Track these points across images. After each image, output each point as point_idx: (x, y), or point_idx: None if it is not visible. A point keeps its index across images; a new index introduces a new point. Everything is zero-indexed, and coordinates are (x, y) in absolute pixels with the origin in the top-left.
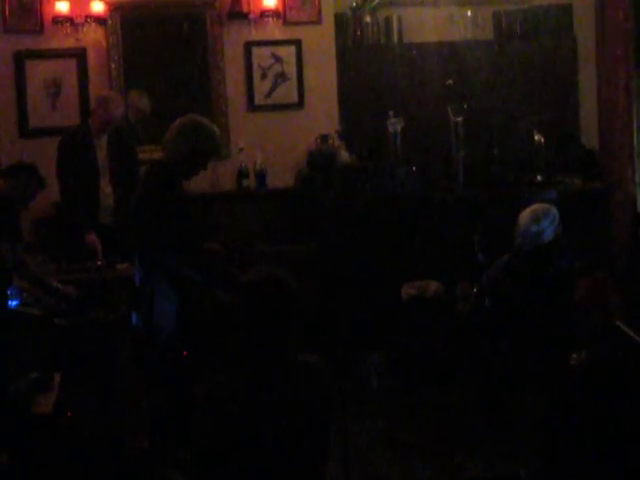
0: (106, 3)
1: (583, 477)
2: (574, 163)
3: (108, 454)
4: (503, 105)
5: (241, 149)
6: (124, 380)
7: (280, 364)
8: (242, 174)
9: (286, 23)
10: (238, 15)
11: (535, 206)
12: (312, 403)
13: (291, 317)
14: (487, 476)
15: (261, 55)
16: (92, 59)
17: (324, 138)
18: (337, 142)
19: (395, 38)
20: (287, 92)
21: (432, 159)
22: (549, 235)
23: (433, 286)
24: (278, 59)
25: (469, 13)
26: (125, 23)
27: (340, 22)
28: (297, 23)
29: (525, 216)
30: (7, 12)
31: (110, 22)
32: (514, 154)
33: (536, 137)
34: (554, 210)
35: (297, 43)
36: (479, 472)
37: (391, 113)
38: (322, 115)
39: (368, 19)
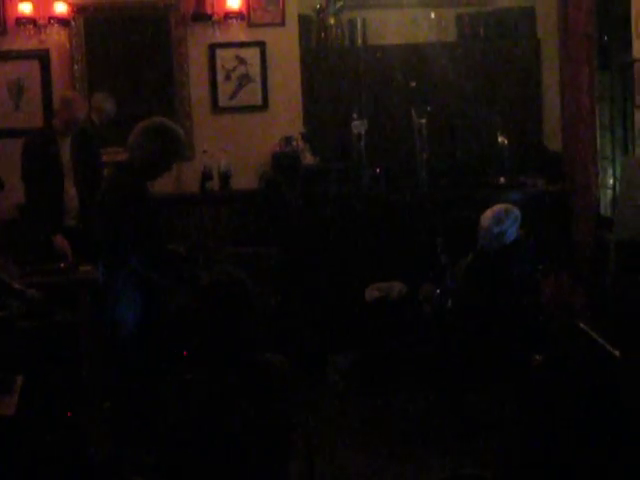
0: (69, 5)
1: (547, 477)
2: (537, 165)
3: (71, 457)
4: (466, 107)
5: (205, 151)
6: (87, 382)
7: (241, 364)
8: (206, 176)
9: (250, 25)
10: (202, 17)
11: (497, 207)
12: (274, 401)
13: (249, 317)
14: (452, 477)
15: (225, 57)
16: (55, 60)
17: (288, 140)
18: (301, 144)
19: (359, 40)
20: (251, 94)
21: (396, 161)
22: (511, 235)
23: (397, 287)
24: (242, 61)
25: (432, 15)
26: (88, 25)
27: (304, 24)
28: (261, 25)
29: (487, 217)
30: None
31: (73, 24)
32: (477, 156)
33: (499, 139)
34: (516, 210)
35: (261, 45)
36: (445, 474)
37: (355, 115)
38: (286, 117)
39: (332, 21)
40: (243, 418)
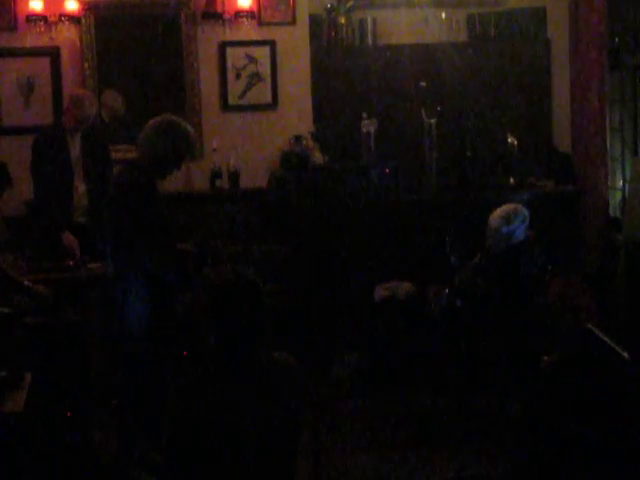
0: (80, 2)
1: (553, 477)
2: (547, 166)
3: (79, 454)
4: (476, 107)
5: (214, 149)
6: (95, 380)
7: (251, 363)
8: (215, 174)
9: (261, 24)
10: (212, 15)
11: (505, 207)
12: (283, 401)
13: (259, 316)
14: (457, 477)
15: (235, 55)
16: (66, 58)
17: (298, 139)
18: (311, 143)
19: (369, 39)
20: (261, 93)
21: (405, 160)
22: (520, 235)
23: (405, 287)
24: (252, 59)
25: (443, 15)
26: (99, 22)
27: (315, 23)
28: (272, 24)
29: (495, 217)
30: None
31: (84, 21)
32: (487, 156)
33: (509, 139)
34: (524, 210)
35: (271, 44)
36: (451, 473)
37: (365, 114)
38: (296, 116)
39: (343, 20)
40: (251, 417)
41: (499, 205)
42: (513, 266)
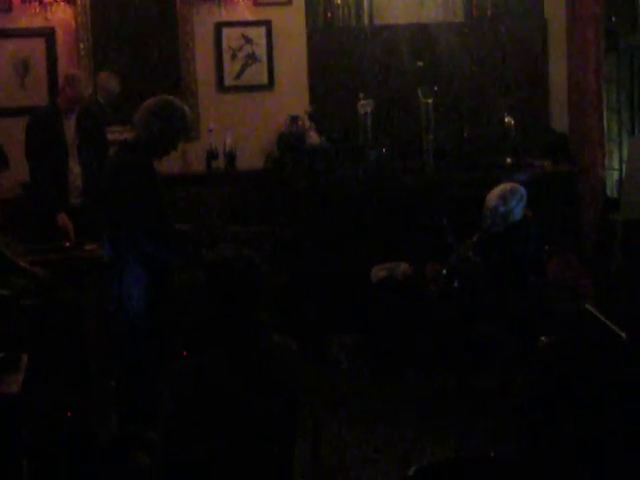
0: None
1: (552, 457)
2: (544, 146)
3: (77, 435)
4: (473, 87)
5: (210, 130)
6: (92, 361)
7: (249, 344)
8: (211, 155)
9: (256, 4)
10: None
11: (502, 186)
12: (282, 384)
13: (258, 294)
14: (456, 457)
15: (231, 36)
16: (61, 39)
17: (294, 119)
18: (307, 123)
19: (366, 19)
20: (257, 73)
21: (402, 141)
22: (517, 214)
23: (403, 268)
24: (248, 40)
25: None
26: (94, 3)
27: (311, 3)
28: (267, 4)
29: (493, 196)
30: None
31: (79, 2)
32: (484, 137)
33: (506, 120)
34: (521, 189)
35: (267, 24)
36: (451, 453)
37: (361, 95)
38: (292, 96)
39: (339, 0)
40: (248, 399)
41: (496, 185)
42: (510, 245)
